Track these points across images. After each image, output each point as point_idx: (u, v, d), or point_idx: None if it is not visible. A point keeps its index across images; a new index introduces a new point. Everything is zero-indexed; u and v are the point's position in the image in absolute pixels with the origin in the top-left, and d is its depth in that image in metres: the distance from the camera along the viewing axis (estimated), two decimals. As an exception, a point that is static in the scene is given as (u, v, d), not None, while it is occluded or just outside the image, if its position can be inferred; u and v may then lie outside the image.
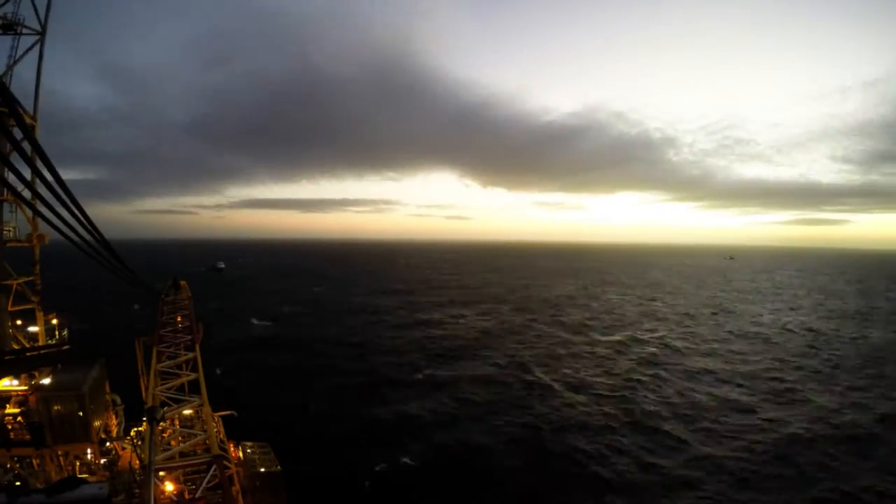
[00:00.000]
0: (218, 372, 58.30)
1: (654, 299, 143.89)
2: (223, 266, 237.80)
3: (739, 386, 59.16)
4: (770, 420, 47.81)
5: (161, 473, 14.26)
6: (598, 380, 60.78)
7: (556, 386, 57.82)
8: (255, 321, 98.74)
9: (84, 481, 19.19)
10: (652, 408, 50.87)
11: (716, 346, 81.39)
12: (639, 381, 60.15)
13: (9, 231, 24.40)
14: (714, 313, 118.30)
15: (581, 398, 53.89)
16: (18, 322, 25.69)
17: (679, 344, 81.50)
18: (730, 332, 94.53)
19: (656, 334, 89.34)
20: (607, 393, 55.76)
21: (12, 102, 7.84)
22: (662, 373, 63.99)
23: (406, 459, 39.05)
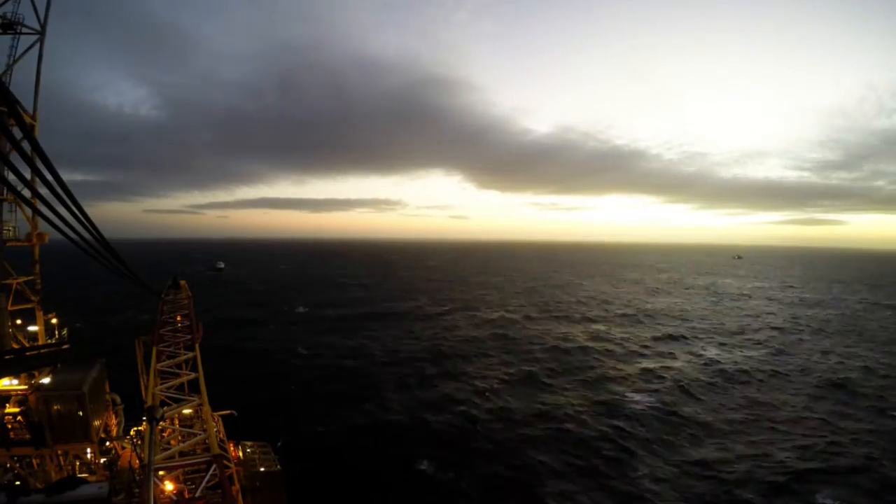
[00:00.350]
0: (218, 371, 58.21)
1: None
2: (223, 266, 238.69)
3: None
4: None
5: (161, 473, 14.25)
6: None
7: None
8: (255, 319, 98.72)
9: (84, 481, 19.24)
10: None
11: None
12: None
13: (9, 230, 24.40)
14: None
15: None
16: (18, 321, 25.67)
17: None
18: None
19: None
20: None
21: (12, 102, 7.84)
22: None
23: (406, 459, 39.00)
